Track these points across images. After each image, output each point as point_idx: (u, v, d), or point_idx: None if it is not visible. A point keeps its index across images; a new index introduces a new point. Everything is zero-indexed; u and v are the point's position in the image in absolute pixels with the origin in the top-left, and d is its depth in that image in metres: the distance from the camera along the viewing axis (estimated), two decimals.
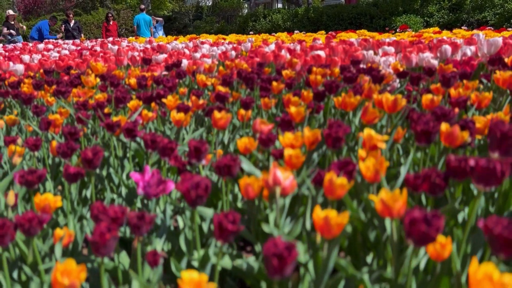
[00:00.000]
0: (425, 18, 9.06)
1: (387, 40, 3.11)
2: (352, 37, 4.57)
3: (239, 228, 0.66)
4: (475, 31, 4.18)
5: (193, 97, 1.62)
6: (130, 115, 1.55)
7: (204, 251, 0.86)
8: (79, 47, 4.45)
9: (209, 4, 20.38)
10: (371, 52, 2.33)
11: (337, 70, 1.86)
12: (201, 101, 1.62)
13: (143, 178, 0.95)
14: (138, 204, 1.12)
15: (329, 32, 5.26)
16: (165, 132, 1.57)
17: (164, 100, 1.55)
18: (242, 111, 1.54)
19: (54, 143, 1.32)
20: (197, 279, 0.57)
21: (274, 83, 1.79)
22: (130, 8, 18.47)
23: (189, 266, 0.89)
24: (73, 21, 9.46)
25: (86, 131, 1.59)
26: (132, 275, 0.76)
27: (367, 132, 1.00)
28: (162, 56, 3.10)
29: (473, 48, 2.13)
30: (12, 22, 8.83)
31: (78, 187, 1.19)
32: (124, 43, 4.88)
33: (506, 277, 0.48)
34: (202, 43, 4.22)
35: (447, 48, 2.22)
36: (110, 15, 10.29)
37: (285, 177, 0.90)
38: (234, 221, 0.66)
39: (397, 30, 6.55)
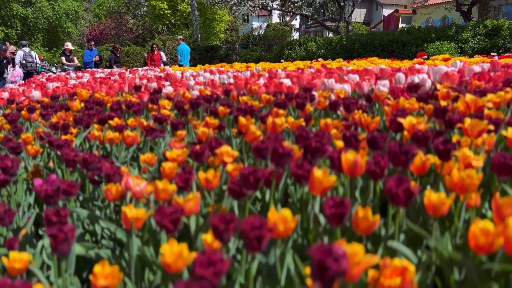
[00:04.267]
0: (459, 45, 8.91)
1: (369, 67, 3.23)
2: (365, 64, 4.69)
3: None
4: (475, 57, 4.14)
5: (135, 119, 1.86)
6: (79, 135, 1.82)
7: None
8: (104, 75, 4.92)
9: (262, 34, 21.17)
10: (331, 80, 2.48)
11: (268, 96, 2.03)
12: (145, 123, 1.86)
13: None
14: None
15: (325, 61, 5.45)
16: (109, 150, 1.82)
17: (110, 121, 1.81)
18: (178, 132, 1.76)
19: None
20: None
21: (221, 108, 2.00)
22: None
23: None
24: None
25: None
26: None
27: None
28: (167, 83, 3.42)
29: (421, 75, 2.22)
30: (68, 54, 9.77)
31: None
32: (142, 72, 5.31)
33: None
34: (212, 72, 4.52)
35: (401, 76, 2.33)
36: (154, 45, 11.13)
37: (136, 183, 1.10)
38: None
39: (424, 57, 6.53)
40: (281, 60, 9.95)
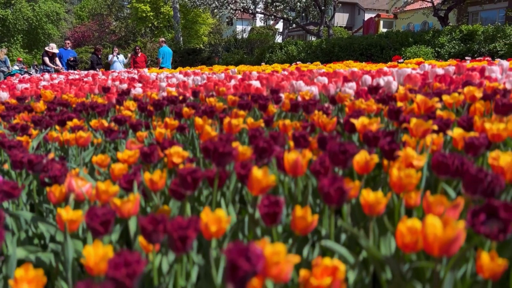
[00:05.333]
0: (436, 49, 9.06)
1: (341, 70, 3.25)
2: (341, 68, 4.73)
3: None
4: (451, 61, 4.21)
5: (97, 120, 1.83)
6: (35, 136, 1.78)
7: None
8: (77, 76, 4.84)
9: (245, 37, 21.20)
10: (300, 82, 2.48)
11: (234, 98, 2.03)
12: (106, 124, 1.83)
13: None
14: None
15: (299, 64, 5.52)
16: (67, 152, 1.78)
17: (68, 122, 1.77)
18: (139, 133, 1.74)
19: None
20: None
21: (185, 109, 1.98)
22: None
23: None
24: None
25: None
26: None
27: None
28: (139, 85, 3.38)
29: (387, 78, 2.24)
30: (51, 56, 9.55)
31: None
32: (115, 73, 5.25)
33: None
34: (187, 74, 4.49)
35: (367, 78, 2.35)
36: (138, 48, 11.06)
37: (79, 185, 1.07)
38: None
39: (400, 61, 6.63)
40: (262, 63, 9.97)
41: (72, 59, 9.73)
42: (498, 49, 8.27)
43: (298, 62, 7.28)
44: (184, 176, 0.85)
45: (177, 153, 1.16)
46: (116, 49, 10.98)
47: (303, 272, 0.69)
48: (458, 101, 1.44)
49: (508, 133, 1.07)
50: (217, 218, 0.78)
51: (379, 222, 0.98)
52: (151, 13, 22.27)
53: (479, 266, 0.67)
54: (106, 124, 1.83)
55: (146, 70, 6.18)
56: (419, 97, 1.26)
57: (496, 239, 0.65)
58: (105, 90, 2.89)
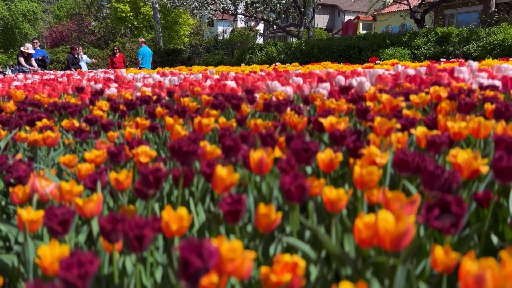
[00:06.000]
0: (412, 51, 9.23)
1: (317, 71, 3.28)
2: (318, 69, 4.77)
3: None
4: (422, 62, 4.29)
5: (65, 121, 1.80)
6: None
7: None
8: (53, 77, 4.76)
9: (226, 38, 21.15)
10: (275, 82, 2.50)
11: (208, 98, 2.02)
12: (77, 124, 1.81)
13: None
14: None
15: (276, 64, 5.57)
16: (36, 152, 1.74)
17: (38, 122, 1.74)
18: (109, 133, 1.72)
19: None
20: None
21: (158, 109, 1.97)
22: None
23: None
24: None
25: None
26: None
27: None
28: (114, 85, 3.34)
29: (359, 78, 2.27)
30: (26, 56, 9.32)
31: None
32: (91, 73, 5.18)
33: None
34: (164, 74, 4.46)
35: (340, 78, 2.37)
36: (116, 48, 10.95)
37: (43, 185, 1.05)
38: None
39: (376, 62, 6.74)
40: (242, 64, 9.98)
41: (40, 58, 9.53)
42: (472, 51, 8.48)
43: (277, 63, 7.31)
44: (146, 175, 0.84)
45: (144, 153, 1.15)
46: (81, 48, 10.83)
47: (263, 269, 0.69)
48: (425, 100, 1.47)
49: (469, 131, 1.10)
50: (179, 216, 0.78)
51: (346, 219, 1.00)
52: (131, 13, 22.03)
53: (434, 260, 0.69)
54: (77, 124, 1.80)
55: (123, 70, 6.11)
56: (385, 97, 1.28)
57: (448, 233, 0.66)
58: (79, 90, 2.84)
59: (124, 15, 21.83)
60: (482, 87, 1.76)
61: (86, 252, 0.59)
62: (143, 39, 11.21)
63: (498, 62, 3.42)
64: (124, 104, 1.96)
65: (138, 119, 1.56)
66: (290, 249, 0.91)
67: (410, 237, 0.60)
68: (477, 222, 1.04)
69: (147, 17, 22.23)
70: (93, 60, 10.96)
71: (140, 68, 10.08)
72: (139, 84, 3.26)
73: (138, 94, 2.63)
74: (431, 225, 0.68)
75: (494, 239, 0.95)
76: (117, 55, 10.76)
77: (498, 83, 1.86)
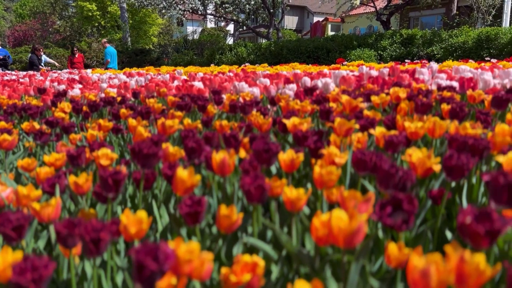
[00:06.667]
0: (378, 52, 9.45)
1: (285, 72, 3.31)
2: (286, 70, 4.82)
3: None
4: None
5: (26, 123, 1.75)
6: None
7: None
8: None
9: (196, 38, 20.97)
10: (242, 83, 2.50)
11: (174, 99, 2.01)
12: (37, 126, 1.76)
13: None
14: None
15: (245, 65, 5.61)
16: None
17: None
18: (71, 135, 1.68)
19: None
20: None
21: (122, 110, 1.94)
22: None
23: None
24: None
25: None
26: None
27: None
28: (79, 86, 3.26)
29: (324, 79, 2.31)
30: None
31: None
32: (55, 74, 5.05)
33: None
34: (131, 75, 4.39)
35: (306, 79, 2.41)
36: (75, 48, 10.73)
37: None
38: None
39: (343, 63, 6.88)
40: (211, 65, 9.95)
41: (1, 57, 9.21)
42: (435, 52, 8.77)
43: (247, 64, 7.33)
44: (105, 178, 0.83)
45: (105, 155, 1.13)
46: (42, 48, 10.54)
47: (223, 270, 0.70)
48: (385, 101, 1.52)
49: (425, 130, 1.14)
50: (138, 219, 0.78)
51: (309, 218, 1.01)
52: (98, 13, 21.52)
53: (387, 256, 0.71)
54: (37, 126, 1.75)
55: (89, 70, 5.97)
56: (345, 98, 1.31)
57: (400, 230, 0.69)
58: (41, 91, 2.76)
59: (90, 14, 21.30)
60: (440, 88, 1.82)
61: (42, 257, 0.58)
62: (105, 40, 11.00)
63: (458, 64, 3.55)
64: (87, 106, 1.92)
65: (101, 121, 1.54)
66: (253, 250, 0.92)
67: (362, 235, 0.62)
68: (433, 218, 1.08)
69: (114, 16, 21.78)
70: (52, 60, 10.64)
71: (107, 68, 9.89)
72: (104, 85, 3.20)
73: (103, 95, 2.58)
74: (384, 222, 0.70)
75: (448, 234, 0.99)
76: (76, 55, 10.56)
77: (455, 84, 1.94)
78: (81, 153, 1.15)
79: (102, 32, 22.12)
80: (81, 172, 1.26)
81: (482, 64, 3.53)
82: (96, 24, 21.98)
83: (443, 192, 0.98)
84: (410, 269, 0.54)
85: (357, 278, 0.65)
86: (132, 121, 1.45)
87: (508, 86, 1.94)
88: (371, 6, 13.03)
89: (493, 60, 5.01)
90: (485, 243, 0.57)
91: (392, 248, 0.71)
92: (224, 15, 14.77)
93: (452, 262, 0.53)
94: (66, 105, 2.14)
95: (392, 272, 0.81)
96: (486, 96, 1.69)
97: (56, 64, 10.50)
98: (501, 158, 0.90)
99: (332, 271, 0.81)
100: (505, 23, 10.43)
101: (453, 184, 1.11)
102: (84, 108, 1.96)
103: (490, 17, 11.45)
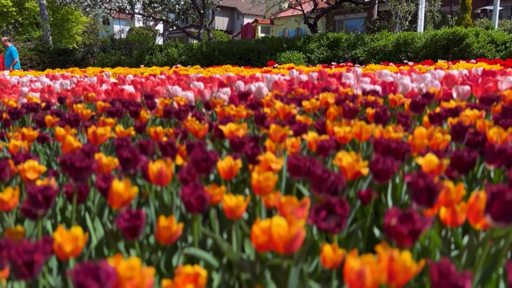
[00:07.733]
0: (307, 54, 9.79)
1: (218, 75, 3.32)
2: (219, 72, 4.81)
3: None
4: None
5: None
6: None
7: None
8: None
9: (124, 37, 20.19)
10: (175, 87, 2.47)
11: (104, 104, 1.95)
12: None
13: None
14: None
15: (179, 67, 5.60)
16: None
17: None
18: None
19: None
20: None
21: (48, 117, 1.83)
22: (32, 41, 17.67)
23: None
24: None
25: None
26: None
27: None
28: None
29: (258, 84, 2.35)
30: None
31: None
32: None
33: None
34: (55, 77, 4.15)
35: (240, 84, 2.44)
36: None
37: None
38: None
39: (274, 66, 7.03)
40: (141, 65, 9.67)
41: None
42: (359, 55, 9.27)
43: (178, 65, 7.23)
44: (35, 195, 0.79)
45: (32, 168, 1.07)
46: None
47: (165, 282, 0.69)
48: (315, 106, 1.59)
49: (353, 135, 1.21)
50: (73, 236, 0.75)
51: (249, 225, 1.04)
52: (14, 8, 20.00)
53: (323, 258, 0.75)
54: None
55: (6, 72, 5.53)
56: (278, 104, 1.36)
57: (333, 233, 0.73)
58: None
59: (5, 10, 19.74)
60: (365, 92, 1.94)
61: None
62: (6, 38, 10.23)
63: (380, 67, 3.79)
64: (7, 113, 1.79)
65: (24, 129, 1.44)
66: (193, 258, 0.92)
67: (300, 240, 0.65)
68: (363, 217, 1.16)
69: (33, 13, 20.37)
70: None
71: (13, 69, 9.24)
72: (25, 89, 2.99)
73: (25, 100, 2.42)
74: (319, 226, 0.74)
75: (377, 232, 1.06)
76: None
77: (378, 88, 2.07)
78: (4, 167, 1.07)
79: (20, 29, 20.60)
80: (5, 186, 1.18)
81: (401, 67, 3.80)
82: (13, 20, 20.42)
83: (371, 193, 1.05)
84: (346, 271, 0.58)
85: (297, 281, 0.68)
86: (60, 130, 1.38)
87: (424, 90, 2.11)
88: (298, 10, 13.45)
89: (410, 63, 5.42)
90: (408, 242, 0.63)
91: (327, 250, 0.75)
92: (153, 15, 14.43)
93: (383, 261, 0.58)
94: None
95: (327, 272, 0.86)
96: (406, 100, 1.83)
97: None
98: (420, 160, 0.99)
99: (272, 274, 0.84)
100: (420, 28, 11.30)
101: None
102: (4, 115, 1.83)
103: (407, 23, 12.32)
